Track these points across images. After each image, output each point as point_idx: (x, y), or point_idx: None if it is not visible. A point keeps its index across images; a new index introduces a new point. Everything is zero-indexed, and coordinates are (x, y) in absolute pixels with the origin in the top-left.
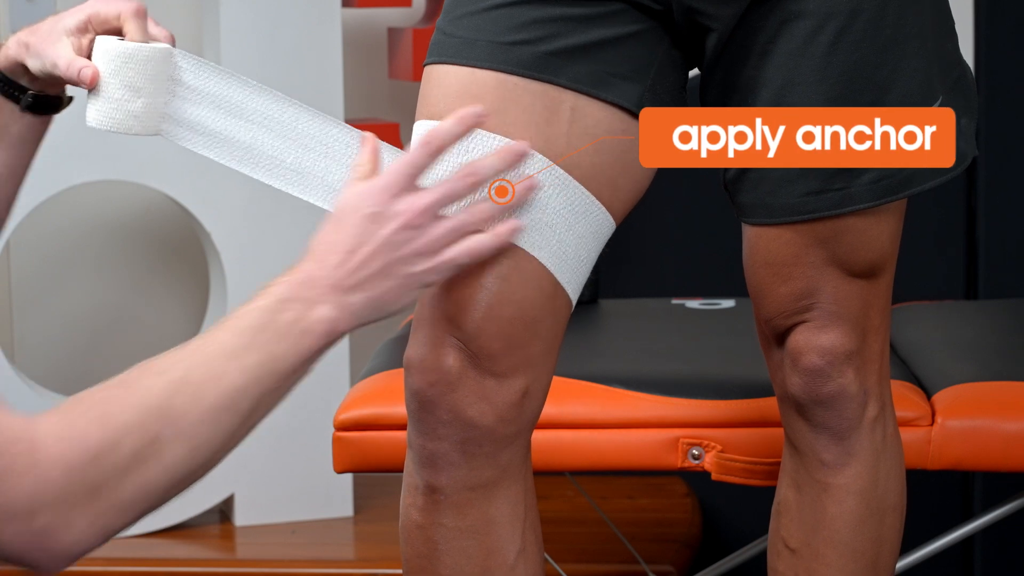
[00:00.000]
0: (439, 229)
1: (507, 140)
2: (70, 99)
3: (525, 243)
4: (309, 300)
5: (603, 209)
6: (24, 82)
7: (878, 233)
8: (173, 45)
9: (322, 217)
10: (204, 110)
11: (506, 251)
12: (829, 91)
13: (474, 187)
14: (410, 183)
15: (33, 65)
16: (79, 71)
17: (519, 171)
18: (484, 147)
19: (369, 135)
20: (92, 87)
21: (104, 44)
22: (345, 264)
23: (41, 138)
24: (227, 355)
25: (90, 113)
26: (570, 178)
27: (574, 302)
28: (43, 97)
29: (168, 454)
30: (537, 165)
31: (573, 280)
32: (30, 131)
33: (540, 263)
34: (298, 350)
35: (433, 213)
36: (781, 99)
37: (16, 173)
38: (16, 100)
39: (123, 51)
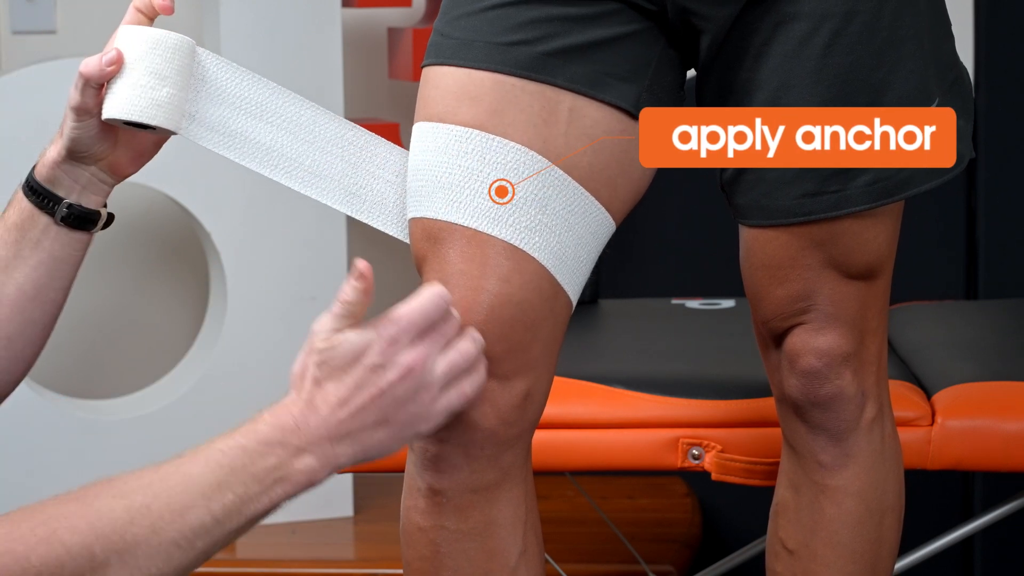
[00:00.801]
0: (436, 380)
1: (505, 141)
2: (111, 217)
3: (525, 244)
4: (295, 448)
5: (602, 209)
6: (62, 192)
7: (875, 235)
8: None
9: (326, 217)
10: (226, 110)
11: (506, 253)
12: (824, 93)
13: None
14: (414, 337)
15: (69, 137)
16: (100, 58)
17: (518, 171)
18: (483, 148)
19: (362, 265)
20: (117, 71)
21: (129, 30)
22: (338, 413)
23: (78, 261)
24: (196, 490)
25: (108, 103)
26: (569, 179)
27: (574, 303)
28: (80, 210)
29: None
30: (534, 166)
31: (573, 281)
32: (65, 249)
33: (540, 264)
34: (271, 497)
35: (431, 364)
36: (776, 101)
37: (45, 294)
38: (52, 213)
39: (151, 36)
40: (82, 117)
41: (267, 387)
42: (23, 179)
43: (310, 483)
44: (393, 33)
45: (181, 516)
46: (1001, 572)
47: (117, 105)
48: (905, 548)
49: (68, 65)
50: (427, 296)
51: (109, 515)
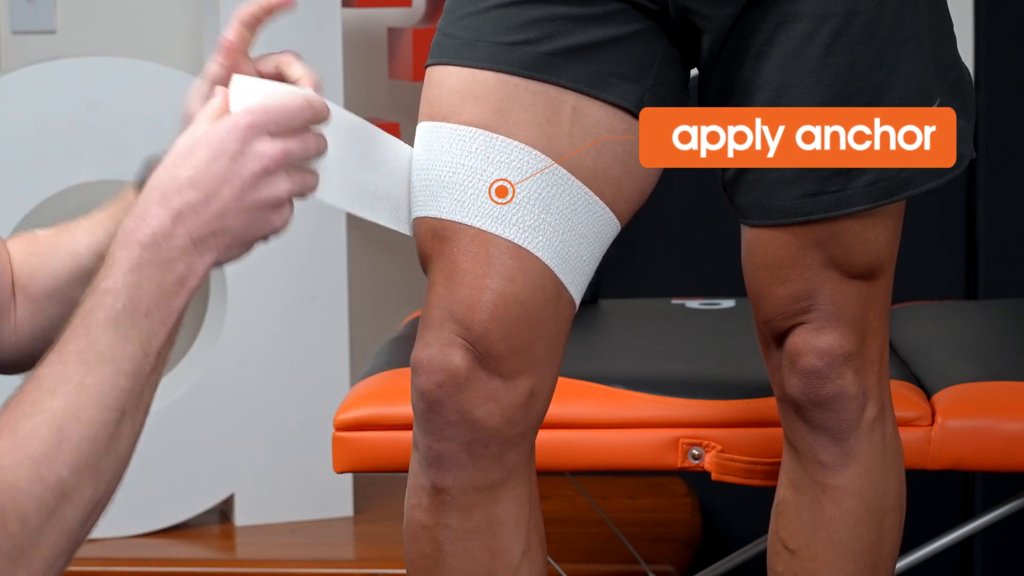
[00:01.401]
0: (286, 181)
1: (510, 140)
2: None
3: (528, 243)
4: (166, 262)
5: (606, 209)
6: None
7: (876, 235)
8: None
9: (326, 217)
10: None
11: (510, 252)
12: (825, 93)
13: (320, 147)
14: (275, 129)
15: None
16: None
17: (522, 171)
18: (488, 148)
19: (221, 90)
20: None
21: (249, 87)
22: (202, 212)
23: None
24: (96, 361)
25: None
26: (572, 178)
27: (578, 302)
28: None
29: (76, 492)
30: (539, 165)
31: (576, 280)
32: None
33: (544, 263)
34: (166, 318)
35: (286, 163)
36: (777, 101)
37: None
38: None
39: (269, 94)
40: None
41: (267, 386)
42: (135, 179)
43: (192, 288)
44: (393, 33)
45: (98, 397)
46: (1001, 572)
47: None
48: (905, 548)
49: (68, 65)
50: (297, 98)
51: (36, 436)
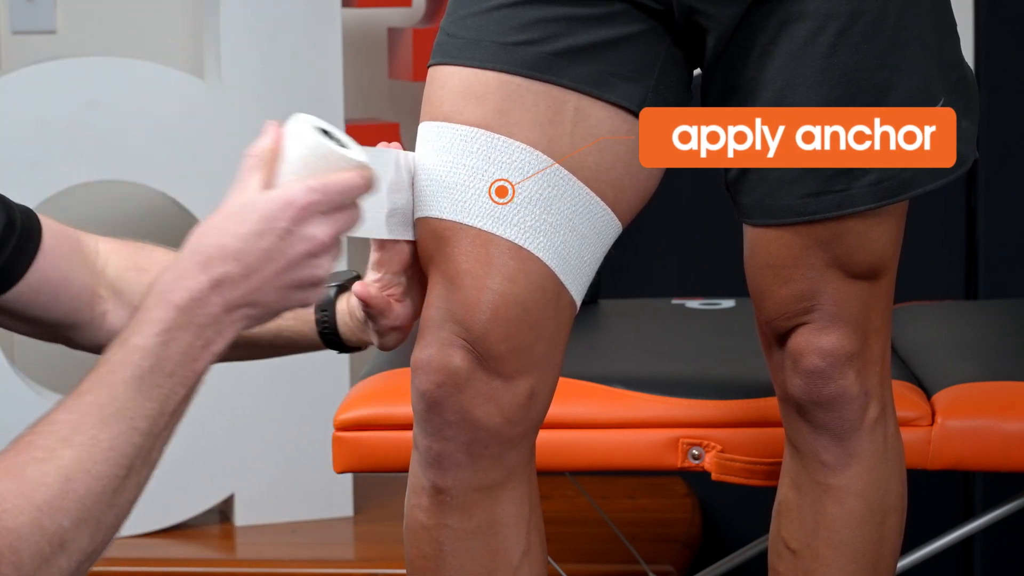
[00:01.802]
0: (327, 264)
1: (511, 141)
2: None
3: (529, 244)
4: (197, 327)
5: (607, 210)
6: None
7: (878, 235)
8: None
9: None
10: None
11: (511, 252)
12: (829, 93)
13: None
14: (329, 208)
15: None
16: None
17: (524, 171)
18: (489, 148)
19: (273, 127)
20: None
21: (306, 140)
22: (241, 284)
23: (294, 352)
24: (114, 417)
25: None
26: (573, 178)
27: (578, 303)
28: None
29: (73, 543)
30: (540, 165)
31: (577, 281)
32: (291, 343)
33: (544, 264)
34: (187, 379)
35: (332, 245)
36: (781, 100)
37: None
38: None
39: (324, 156)
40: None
41: (267, 387)
42: None
43: (218, 352)
44: (393, 33)
45: (110, 451)
46: (1001, 572)
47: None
48: (906, 548)
49: (68, 65)
50: (354, 176)
51: (43, 483)
